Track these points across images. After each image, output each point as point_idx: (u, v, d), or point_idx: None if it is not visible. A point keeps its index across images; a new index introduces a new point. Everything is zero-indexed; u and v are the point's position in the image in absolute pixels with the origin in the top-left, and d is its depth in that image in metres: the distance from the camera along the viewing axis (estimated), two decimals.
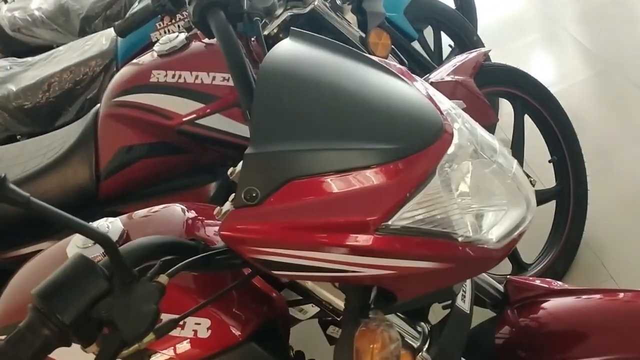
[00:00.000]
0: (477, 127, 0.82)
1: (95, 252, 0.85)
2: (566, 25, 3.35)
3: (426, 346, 0.86)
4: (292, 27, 0.87)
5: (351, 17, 1.77)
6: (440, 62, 2.64)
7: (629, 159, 2.27)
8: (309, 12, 1.66)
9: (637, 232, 1.98)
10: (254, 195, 0.67)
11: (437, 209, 0.70)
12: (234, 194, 0.70)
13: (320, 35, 0.86)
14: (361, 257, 0.68)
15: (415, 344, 0.86)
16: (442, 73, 1.75)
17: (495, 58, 2.34)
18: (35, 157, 1.69)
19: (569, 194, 1.96)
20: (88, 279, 0.61)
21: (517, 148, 1.91)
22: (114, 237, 0.87)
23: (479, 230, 0.74)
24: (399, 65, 0.86)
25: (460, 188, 0.74)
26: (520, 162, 1.88)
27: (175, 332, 0.77)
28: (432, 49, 2.69)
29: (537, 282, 0.99)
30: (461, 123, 0.78)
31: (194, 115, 1.53)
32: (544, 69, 3.11)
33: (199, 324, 0.81)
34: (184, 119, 1.54)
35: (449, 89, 1.66)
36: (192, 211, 1.00)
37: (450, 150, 0.73)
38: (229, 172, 0.79)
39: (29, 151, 1.75)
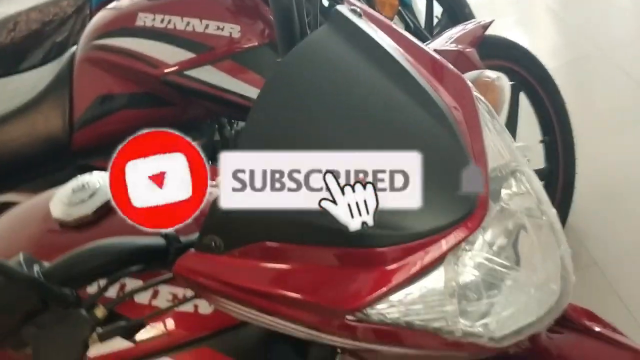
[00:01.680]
0: (534, 180, 0.66)
1: (85, 211, 0.75)
2: (549, 4, 3.31)
3: None
4: (336, 8, 0.70)
5: None
6: (430, 32, 2.57)
7: (609, 146, 2.25)
8: None
9: (619, 217, 1.97)
10: (217, 244, 0.58)
11: (428, 307, 0.58)
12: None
13: (365, 28, 0.69)
14: (329, 335, 0.60)
15: None
16: (441, 42, 1.68)
17: None
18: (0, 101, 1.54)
19: (557, 176, 1.93)
20: (21, 295, 0.54)
21: (510, 126, 1.86)
22: (107, 195, 0.76)
23: (476, 325, 0.60)
24: (459, 79, 0.70)
25: (472, 274, 0.60)
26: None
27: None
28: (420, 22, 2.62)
29: (582, 315, 0.87)
30: (515, 184, 0.64)
31: (182, 65, 1.41)
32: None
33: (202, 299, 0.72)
34: (171, 69, 1.41)
35: (450, 58, 1.58)
36: None
37: (472, 237, 0.59)
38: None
39: None
